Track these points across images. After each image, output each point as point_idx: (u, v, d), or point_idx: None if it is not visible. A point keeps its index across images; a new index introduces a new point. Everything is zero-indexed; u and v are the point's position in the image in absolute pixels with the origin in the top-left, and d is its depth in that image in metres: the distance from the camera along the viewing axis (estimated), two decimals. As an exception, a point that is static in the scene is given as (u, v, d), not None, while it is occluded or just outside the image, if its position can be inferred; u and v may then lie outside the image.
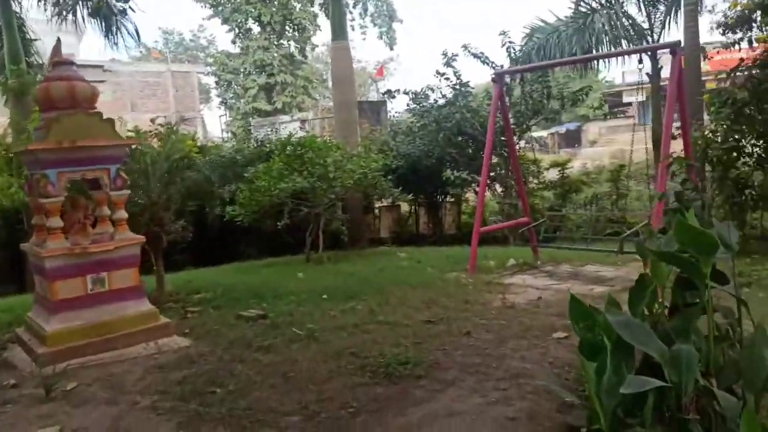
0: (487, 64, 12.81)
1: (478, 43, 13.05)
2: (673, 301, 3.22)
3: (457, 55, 12.73)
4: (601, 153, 30.28)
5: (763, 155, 9.49)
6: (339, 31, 13.20)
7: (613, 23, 12.23)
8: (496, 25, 28.12)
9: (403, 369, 4.27)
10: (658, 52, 11.25)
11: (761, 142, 9.50)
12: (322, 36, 45.89)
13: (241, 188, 9.79)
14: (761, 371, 2.59)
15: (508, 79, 11.67)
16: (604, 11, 12.00)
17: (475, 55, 12.83)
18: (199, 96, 39.43)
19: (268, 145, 12.56)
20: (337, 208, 10.96)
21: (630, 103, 42.80)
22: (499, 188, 13.33)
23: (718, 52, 14.03)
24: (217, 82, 38.78)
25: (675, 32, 13.00)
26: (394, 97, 13.71)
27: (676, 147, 7.67)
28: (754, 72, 8.89)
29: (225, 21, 34.43)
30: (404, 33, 50.49)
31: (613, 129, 40.96)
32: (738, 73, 9.29)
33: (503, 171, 13.20)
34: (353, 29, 32.36)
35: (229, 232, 11.19)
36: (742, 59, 9.44)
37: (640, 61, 7.28)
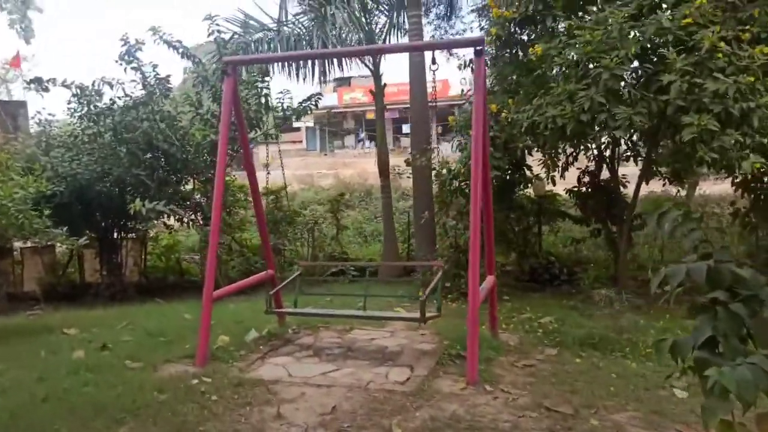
0: (187, 56, 9.68)
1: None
2: None
3: (143, 43, 9.24)
4: (280, 177, 29.14)
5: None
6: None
7: (351, 23, 10.46)
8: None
9: None
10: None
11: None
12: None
13: None
14: None
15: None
16: (341, 6, 10.14)
17: (169, 44, 9.51)
18: None
19: None
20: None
21: (299, 128, 43.39)
22: (200, 219, 10.28)
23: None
24: None
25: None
26: (46, 89, 9.36)
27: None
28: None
29: None
30: (49, 26, 41.81)
31: (283, 152, 40.74)
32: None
33: (204, 199, 10.25)
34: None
35: None
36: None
37: (434, 61, 5.59)
